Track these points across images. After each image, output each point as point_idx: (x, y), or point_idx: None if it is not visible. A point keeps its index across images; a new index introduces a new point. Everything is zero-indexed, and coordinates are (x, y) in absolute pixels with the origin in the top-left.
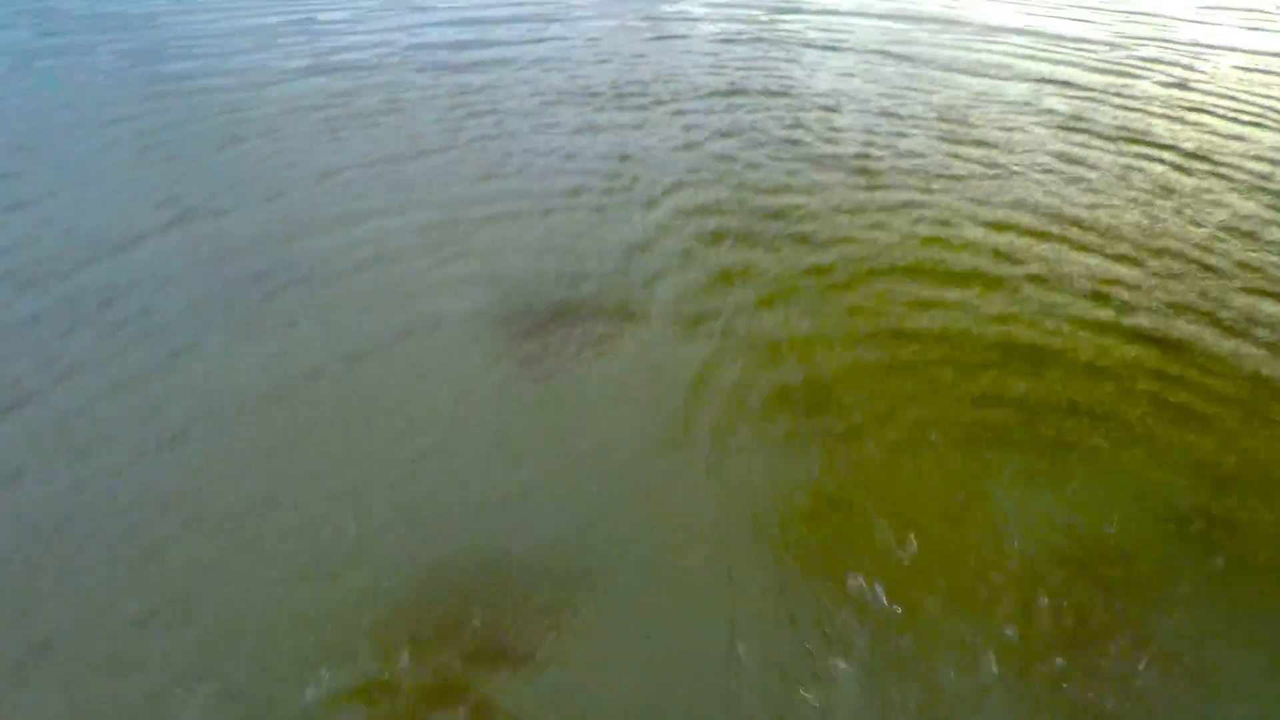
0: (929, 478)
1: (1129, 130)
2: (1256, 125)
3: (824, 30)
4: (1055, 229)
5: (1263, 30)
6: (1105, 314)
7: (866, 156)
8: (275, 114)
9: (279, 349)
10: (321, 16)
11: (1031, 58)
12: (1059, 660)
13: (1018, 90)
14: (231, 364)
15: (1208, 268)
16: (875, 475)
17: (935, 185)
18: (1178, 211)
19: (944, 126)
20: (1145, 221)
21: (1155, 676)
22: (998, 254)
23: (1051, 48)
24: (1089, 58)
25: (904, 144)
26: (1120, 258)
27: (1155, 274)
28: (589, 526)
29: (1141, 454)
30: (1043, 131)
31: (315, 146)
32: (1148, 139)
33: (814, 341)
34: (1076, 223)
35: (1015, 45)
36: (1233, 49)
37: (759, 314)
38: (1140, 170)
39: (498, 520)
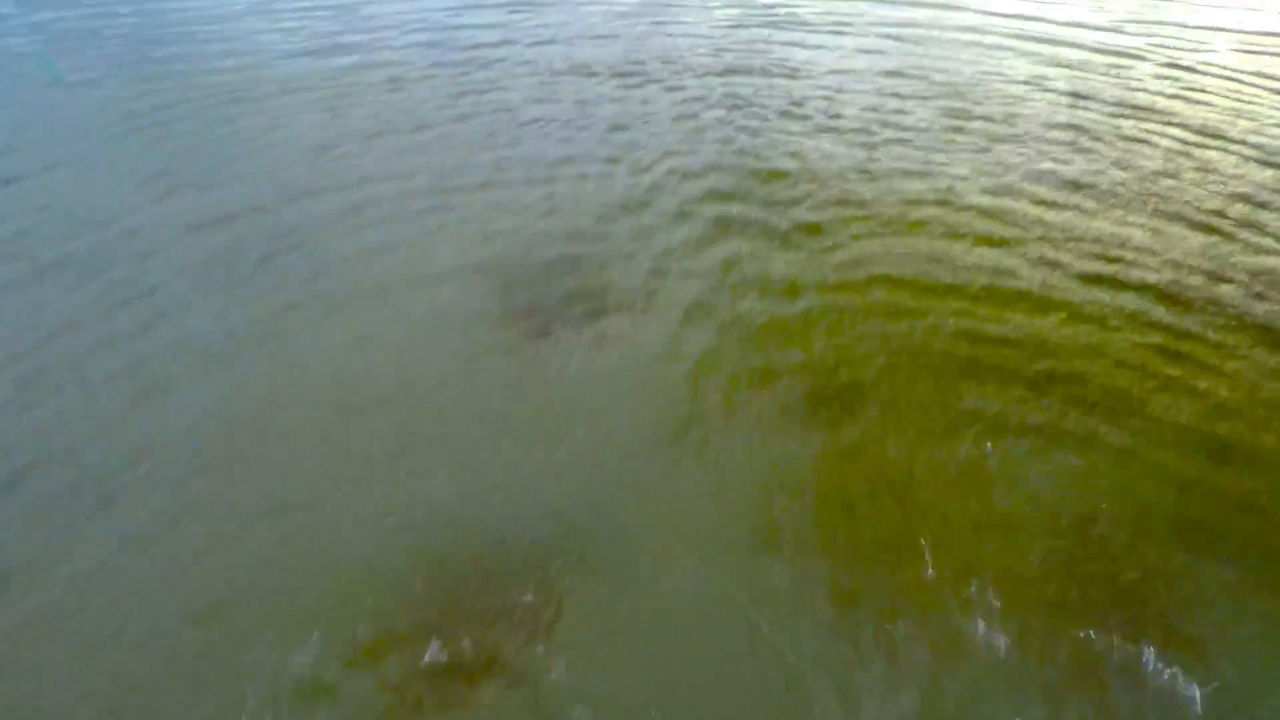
0: (933, 455)
1: (1129, 106)
2: (1254, 102)
3: (825, 14)
4: (1057, 195)
5: (1260, 11)
6: (1110, 269)
7: (868, 132)
8: (272, 93)
9: (268, 313)
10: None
11: (1033, 38)
12: (1063, 627)
13: (1019, 69)
14: (221, 325)
15: (1212, 230)
16: (877, 452)
17: (937, 156)
18: (1178, 179)
19: (945, 104)
20: (1147, 188)
21: (1157, 642)
22: (999, 218)
23: (1051, 30)
24: (1089, 38)
25: (906, 119)
26: (1122, 223)
27: (1159, 236)
28: (588, 507)
29: (1145, 423)
30: (1044, 108)
31: (311, 121)
32: (1147, 114)
33: (814, 315)
34: (1077, 188)
35: (1016, 27)
36: (1231, 30)
37: (759, 293)
38: (1142, 143)
39: (498, 503)
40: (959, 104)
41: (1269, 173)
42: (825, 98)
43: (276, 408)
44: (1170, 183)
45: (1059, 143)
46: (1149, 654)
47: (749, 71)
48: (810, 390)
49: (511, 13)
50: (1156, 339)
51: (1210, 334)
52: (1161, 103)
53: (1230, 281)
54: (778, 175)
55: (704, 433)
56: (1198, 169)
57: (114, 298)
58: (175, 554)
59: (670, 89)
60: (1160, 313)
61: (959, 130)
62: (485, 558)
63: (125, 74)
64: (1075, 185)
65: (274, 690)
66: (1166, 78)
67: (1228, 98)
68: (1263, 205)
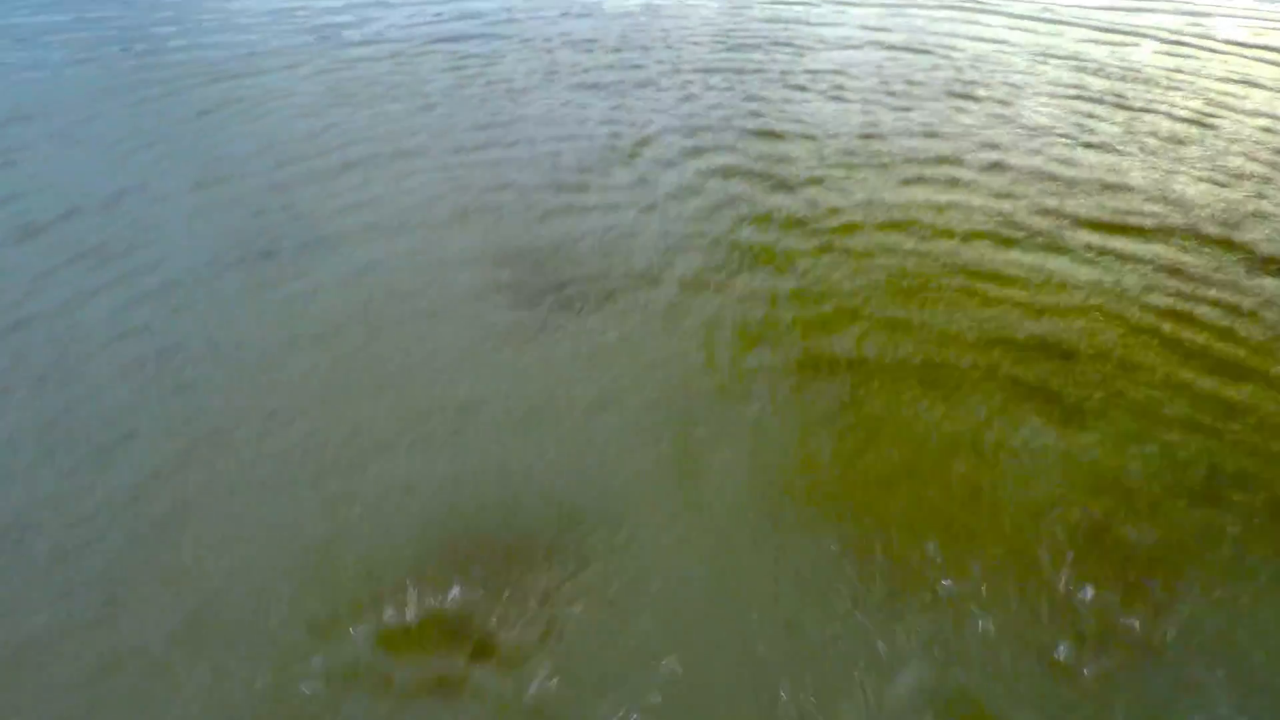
0: (944, 423)
1: (1132, 92)
2: (1257, 86)
3: (827, 6)
4: (1059, 171)
5: None
6: (1118, 230)
7: (871, 99)
8: (274, 83)
9: (264, 284)
10: None
11: (1033, 32)
12: (1075, 593)
13: (1021, 60)
14: (220, 298)
15: (1224, 193)
16: (894, 426)
17: (940, 140)
18: (1186, 143)
19: (949, 90)
20: (1151, 174)
21: (1180, 611)
22: (1002, 197)
23: (1054, 19)
24: (1096, 17)
25: (908, 104)
26: (1132, 185)
27: (1168, 197)
28: (596, 485)
29: (1154, 401)
30: (1050, 78)
31: (312, 92)
32: (1153, 84)
33: (821, 291)
34: (1079, 166)
35: (1016, 19)
36: (1232, 14)
37: (768, 267)
38: (1145, 129)
39: (503, 482)
40: (964, 74)
41: None
42: (831, 69)
43: (274, 383)
44: (1179, 145)
45: (1064, 111)
46: (1171, 623)
47: (754, 45)
48: (819, 363)
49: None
50: (1166, 298)
51: (1221, 293)
52: (1167, 72)
53: (1241, 243)
54: (779, 136)
55: (714, 408)
56: (1207, 135)
57: (117, 269)
58: (166, 528)
59: (673, 63)
60: (1170, 272)
61: (964, 97)
62: (490, 535)
63: (123, 52)
64: (1083, 146)
65: (268, 669)
66: (1172, 47)
67: (1235, 69)
68: (1276, 168)
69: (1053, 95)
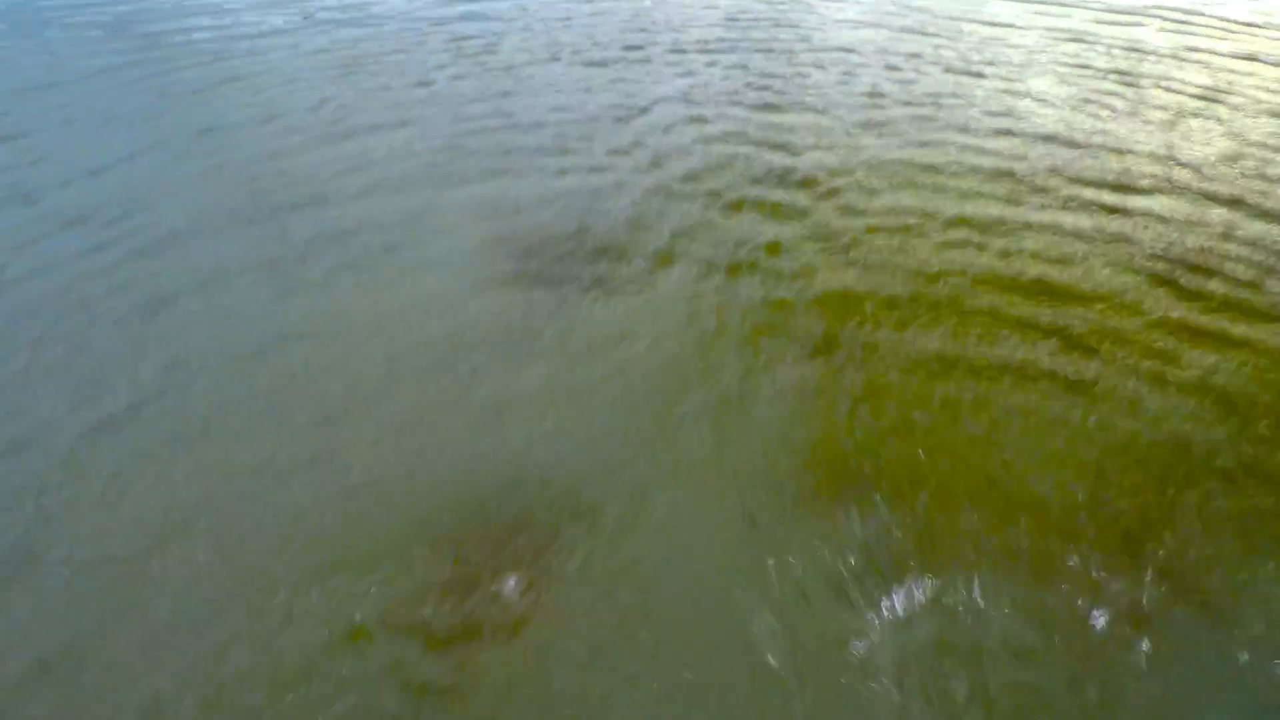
0: (951, 406)
1: (1137, 68)
2: (1260, 60)
3: None
4: (1064, 142)
5: None
6: (1120, 210)
7: (879, 93)
8: (274, 60)
9: (271, 261)
10: None
11: (1044, 14)
12: (1076, 579)
13: (1029, 39)
14: (221, 271)
15: (1229, 172)
16: (895, 407)
17: (947, 110)
18: (1187, 136)
19: (956, 67)
20: (1156, 145)
21: (1168, 596)
22: (1011, 158)
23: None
24: (1100, 2)
25: (917, 84)
26: (1135, 167)
27: (1171, 180)
28: (605, 460)
29: (1157, 375)
30: (1055, 60)
31: (319, 78)
32: (1155, 76)
33: (828, 266)
34: (1086, 138)
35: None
36: None
37: (770, 247)
38: (1151, 104)
39: (513, 454)
40: (968, 55)
41: None
42: (836, 60)
43: (282, 359)
44: (1184, 129)
45: (1069, 93)
46: (1168, 600)
47: (758, 25)
48: (823, 340)
49: None
50: (1167, 279)
51: (1225, 274)
52: (1174, 59)
53: (1245, 225)
54: (785, 111)
55: (720, 385)
56: (1213, 118)
57: (118, 231)
58: (180, 497)
59: (678, 50)
60: (1171, 256)
61: (969, 76)
62: (498, 508)
63: (127, 42)
64: (1087, 130)
65: (280, 641)
66: (1180, 25)
67: (1240, 51)
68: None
69: (1062, 71)
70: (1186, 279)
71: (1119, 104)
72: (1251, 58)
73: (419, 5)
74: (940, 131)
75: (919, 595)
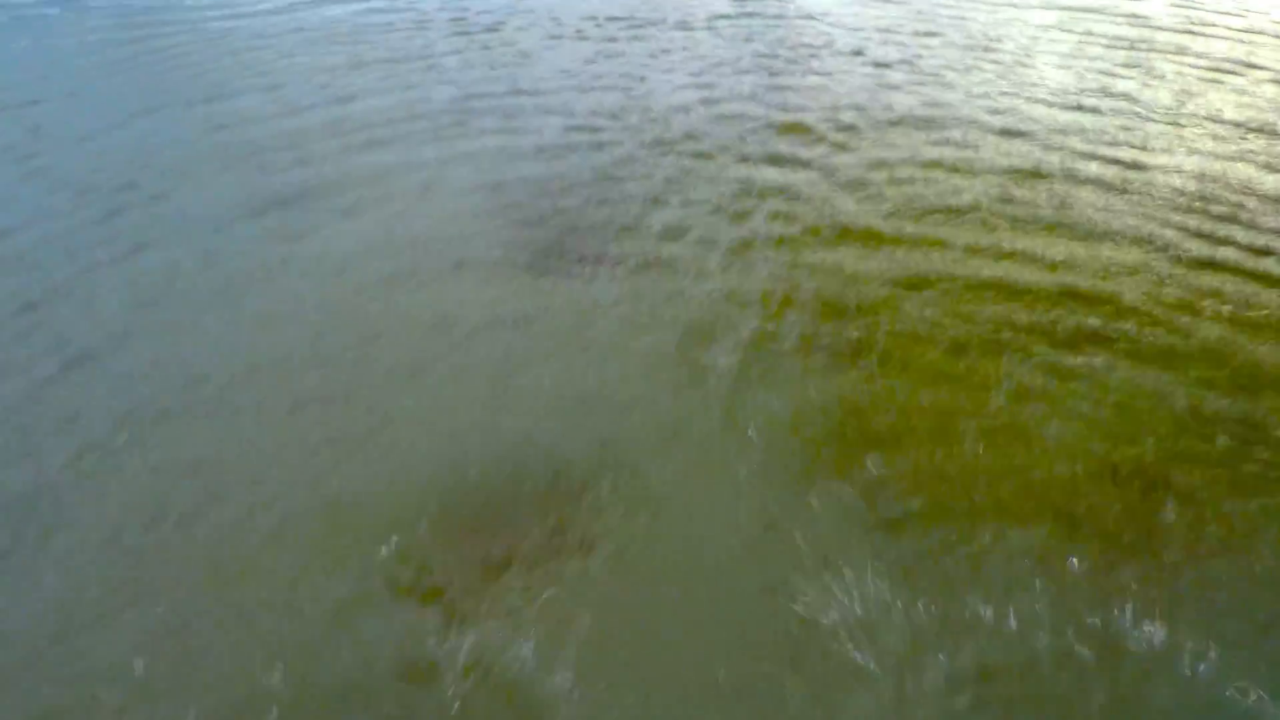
0: (959, 382)
1: (1148, 45)
2: (1269, 33)
3: None
4: (1074, 108)
5: None
6: (1132, 187)
7: (887, 65)
8: (276, 36)
9: (281, 235)
10: None
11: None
12: (1085, 558)
13: (1036, 21)
14: (230, 243)
15: (1239, 153)
16: (900, 383)
17: (954, 89)
18: (1200, 105)
19: (966, 46)
20: (1170, 110)
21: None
22: (1017, 135)
23: None
24: None
25: (926, 60)
26: (1146, 142)
27: (1183, 156)
28: (607, 434)
29: (1169, 350)
30: (1063, 44)
31: (326, 66)
32: (1167, 52)
33: (840, 244)
34: (1098, 103)
35: None
36: None
37: (785, 221)
38: (1160, 78)
39: (521, 430)
40: (976, 39)
41: None
42: (845, 36)
43: (289, 332)
44: (1193, 107)
45: (1081, 64)
46: (1179, 578)
47: (763, 8)
48: (837, 315)
49: None
50: (1181, 256)
51: (1238, 250)
52: (1180, 36)
53: (1256, 204)
54: (800, 126)
55: (732, 362)
56: (1220, 97)
57: (121, 201)
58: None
59: (685, 28)
60: (1185, 231)
61: (977, 58)
62: (507, 485)
63: (132, 24)
64: (1097, 107)
65: (296, 618)
66: (1178, 15)
67: (1246, 32)
68: None
69: (1069, 52)
70: (1205, 236)
71: (1127, 82)
72: (1263, 34)
73: None
74: (948, 109)
75: (947, 574)
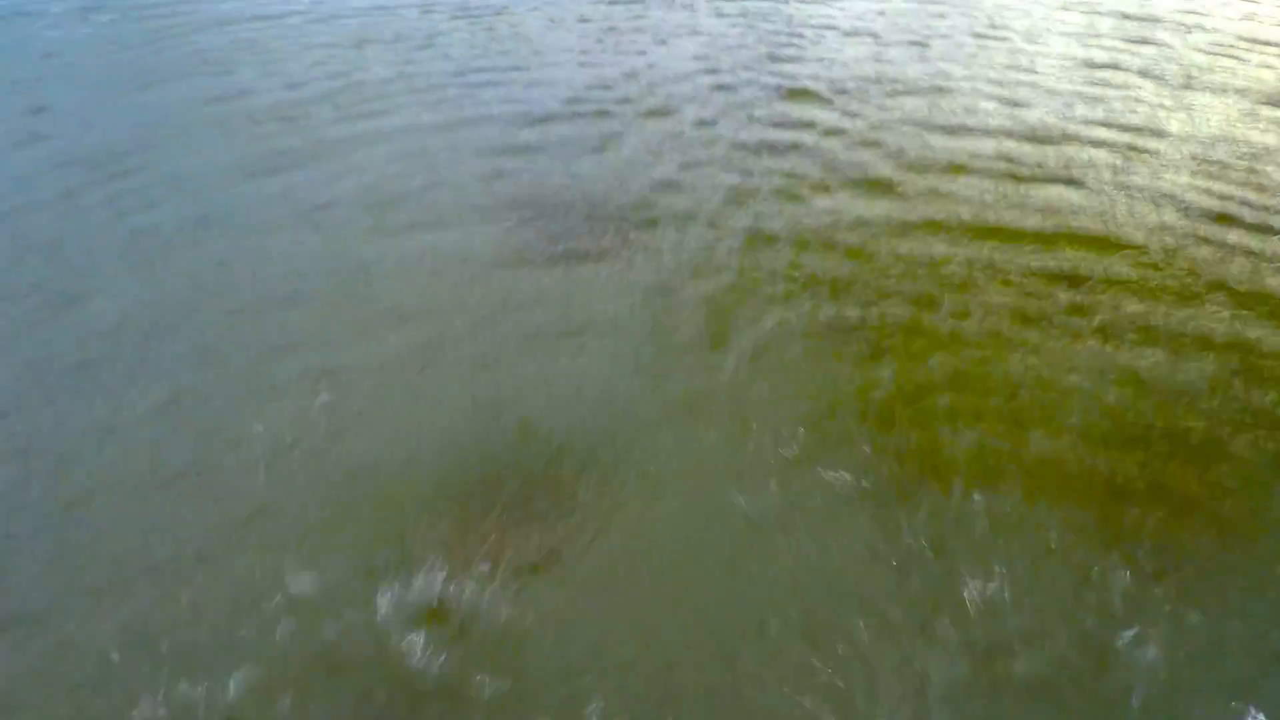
0: (976, 358)
1: (1148, 36)
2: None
3: None
4: (1083, 95)
5: None
6: (1143, 169)
7: (890, 49)
8: (280, 26)
9: (280, 210)
10: None
11: None
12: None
13: (1038, 8)
14: (231, 215)
15: (1251, 131)
16: (915, 363)
17: (961, 66)
18: (1197, 101)
19: (975, 31)
20: (1176, 90)
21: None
22: (1021, 106)
23: None
24: None
25: (925, 40)
26: (1155, 123)
27: (1193, 136)
28: (613, 413)
29: (1178, 315)
30: (1067, 35)
31: (327, 44)
32: (1166, 42)
33: (844, 231)
34: (1106, 87)
35: None
36: None
37: (785, 210)
38: (1161, 63)
39: (520, 417)
40: (982, 26)
41: None
42: (853, 23)
43: (293, 310)
44: (1201, 85)
45: (1085, 50)
46: (1197, 550)
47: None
48: (839, 299)
49: None
50: (1190, 235)
51: (1251, 230)
52: (1183, 14)
53: (1268, 186)
54: (805, 93)
55: (735, 349)
56: (1228, 75)
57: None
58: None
59: (690, 8)
60: (1196, 210)
61: (982, 42)
62: (503, 469)
63: (141, 12)
64: (1104, 84)
65: (293, 601)
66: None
67: (1253, 9)
68: None
69: (1078, 31)
70: (1207, 223)
71: (1131, 65)
72: (1252, 20)
73: None
74: (953, 84)
75: (950, 557)
